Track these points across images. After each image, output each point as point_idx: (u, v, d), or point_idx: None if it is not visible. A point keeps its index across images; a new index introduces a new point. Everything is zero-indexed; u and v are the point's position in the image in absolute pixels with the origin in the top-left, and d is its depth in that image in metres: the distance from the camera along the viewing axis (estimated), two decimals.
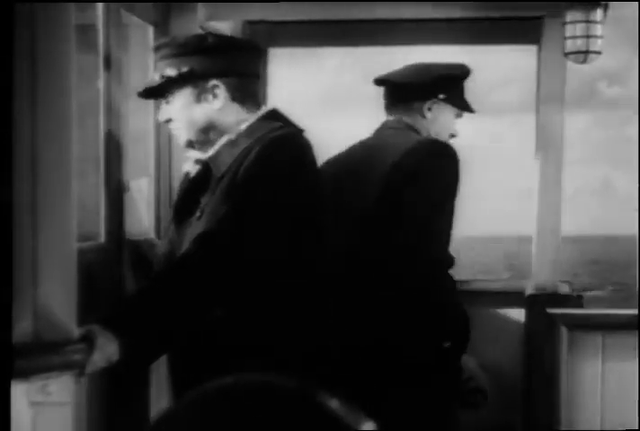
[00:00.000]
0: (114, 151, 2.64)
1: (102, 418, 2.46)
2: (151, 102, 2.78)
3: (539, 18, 3.30)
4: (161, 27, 2.96)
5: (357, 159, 2.91)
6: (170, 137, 2.83)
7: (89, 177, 2.54)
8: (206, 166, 2.30)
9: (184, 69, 2.27)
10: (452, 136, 3.00)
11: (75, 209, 1.72)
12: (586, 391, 3.28)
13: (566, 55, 3.23)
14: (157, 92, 2.35)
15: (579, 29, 3.18)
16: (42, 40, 1.66)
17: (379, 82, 3.00)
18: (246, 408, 0.93)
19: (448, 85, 2.95)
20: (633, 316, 3.25)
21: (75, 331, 1.73)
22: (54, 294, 1.68)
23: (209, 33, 2.50)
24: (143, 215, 2.89)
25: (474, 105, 3.02)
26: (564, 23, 3.20)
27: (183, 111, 2.31)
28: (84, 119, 2.01)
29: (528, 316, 3.41)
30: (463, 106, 3.00)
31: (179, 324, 2.02)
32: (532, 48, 3.41)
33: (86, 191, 2.50)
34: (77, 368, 1.73)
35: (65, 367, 1.68)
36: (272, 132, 2.23)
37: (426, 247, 2.68)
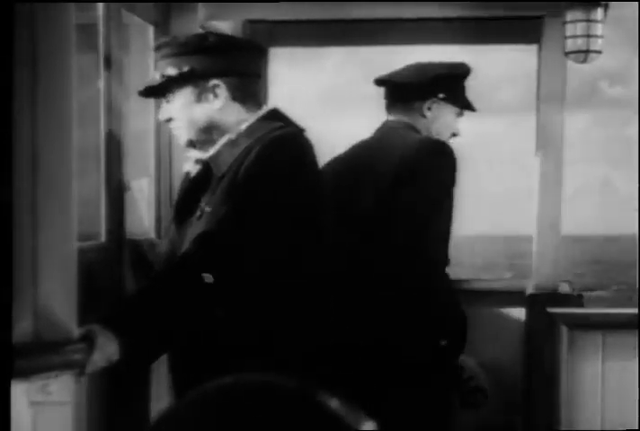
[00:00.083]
0: (115, 151, 2.64)
1: (102, 418, 2.46)
2: (151, 102, 2.78)
3: (540, 17, 3.29)
4: (161, 27, 2.96)
5: (357, 159, 2.91)
6: (170, 137, 2.83)
7: (89, 176, 2.54)
8: (206, 166, 2.30)
9: (185, 68, 2.27)
10: (454, 135, 3.00)
11: (76, 209, 1.72)
12: (586, 390, 3.28)
13: (567, 54, 3.22)
14: (158, 92, 2.35)
15: (579, 28, 3.18)
16: (42, 40, 1.66)
17: (380, 82, 3.00)
18: (246, 408, 0.93)
19: (447, 85, 2.95)
20: (633, 315, 3.25)
21: (75, 331, 1.73)
22: (54, 294, 1.68)
23: (210, 33, 2.50)
24: (143, 215, 2.89)
25: (476, 104, 3.02)
26: (565, 23, 3.20)
27: (184, 111, 2.31)
28: (85, 119, 2.01)
29: (528, 315, 3.41)
30: (463, 105, 2.99)
31: (179, 324, 2.02)
32: (532, 48, 3.40)
33: (87, 191, 2.50)
34: (77, 368, 1.73)
35: (65, 367, 1.68)
36: (273, 132, 2.23)
37: (425, 247, 2.69)
